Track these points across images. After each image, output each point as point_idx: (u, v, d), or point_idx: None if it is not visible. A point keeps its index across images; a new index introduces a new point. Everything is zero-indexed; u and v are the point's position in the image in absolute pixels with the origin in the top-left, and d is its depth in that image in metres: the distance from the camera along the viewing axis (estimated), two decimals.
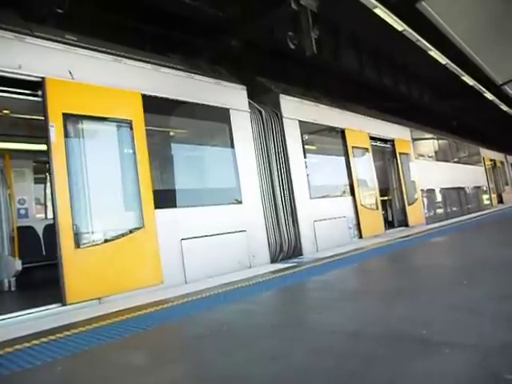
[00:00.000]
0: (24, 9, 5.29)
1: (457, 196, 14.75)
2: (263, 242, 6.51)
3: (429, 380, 1.85)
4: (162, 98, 5.52)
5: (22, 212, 7.30)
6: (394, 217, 11.06)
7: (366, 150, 9.81)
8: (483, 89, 14.02)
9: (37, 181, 7.70)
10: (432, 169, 13.28)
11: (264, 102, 7.34)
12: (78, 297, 4.15)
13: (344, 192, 8.88)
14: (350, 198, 8.85)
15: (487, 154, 19.27)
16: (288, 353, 2.32)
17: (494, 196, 19.11)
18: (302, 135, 7.85)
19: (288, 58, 10.23)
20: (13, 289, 5.93)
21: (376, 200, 9.73)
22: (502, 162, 21.74)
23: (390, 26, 8.54)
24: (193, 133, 6.43)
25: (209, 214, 5.78)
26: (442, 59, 11.00)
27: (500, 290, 3.31)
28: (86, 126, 4.69)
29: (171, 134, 6.27)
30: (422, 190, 11.92)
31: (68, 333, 3.05)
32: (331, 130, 8.98)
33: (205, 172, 6.46)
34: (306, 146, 8.04)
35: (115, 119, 4.96)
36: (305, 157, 7.87)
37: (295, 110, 7.86)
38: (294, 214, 7.18)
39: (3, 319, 3.77)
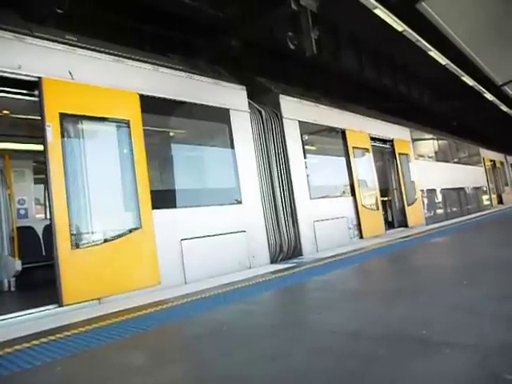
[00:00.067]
0: (24, 9, 5.29)
1: (457, 196, 14.75)
2: (263, 243, 6.51)
3: (429, 380, 1.85)
4: (161, 98, 5.51)
5: (22, 212, 7.30)
6: (394, 217, 11.06)
7: (367, 150, 9.81)
8: (483, 89, 14.03)
9: (36, 181, 7.70)
10: (432, 169, 13.27)
11: (264, 103, 7.34)
12: (75, 298, 4.12)
13: (344, 192, 8.89)
14: (350, 198, 8.86)
15: (487, 154, 19.27)
16: (288, 353, 2.32)
17: (493, 196, 19.11)
18: (301, 135, 7.85)
19: (288, 58, 10.23)
20: (12, 289, 5.92)
21: (376, 200, 9.74)
22: (501, 163, 21.74)
23: (390, 26, 8.54)
24: (192, 133, 6.42)
25: (209, 215, 5.78)
26: (442, 60, 11.00)
27: (500, 290, 3.31)
28: (82, 125, 4.67)
29: (171, 134, 6.26)
30: (421, 191, 11.92)
31: (68, 333, 3.04)
32: (331, 130, 8.98)
33: (205, 172, 6.45)
34: (306, 147, 8.04)
35: (112, 119, 4.95)
36: (305, 157, 7.87)
37: (295, 110, 7.86)
38: (294, 215, 7.18)
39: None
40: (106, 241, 4.56)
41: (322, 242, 7.50)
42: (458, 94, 15.66)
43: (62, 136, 4.37)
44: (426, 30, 8.91)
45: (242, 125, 6.65)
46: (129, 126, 4.99)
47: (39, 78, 4.31)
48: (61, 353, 2.59)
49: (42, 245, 7.07)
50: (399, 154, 11.02)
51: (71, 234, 4.25)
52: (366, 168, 9.65)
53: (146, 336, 2.93)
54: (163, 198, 5.43)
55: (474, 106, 16.78)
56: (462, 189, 15.40)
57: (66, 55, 4.64)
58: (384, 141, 10.77)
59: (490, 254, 5.18)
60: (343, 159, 9.07)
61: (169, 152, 5.94)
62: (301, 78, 11.34)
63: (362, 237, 8.68)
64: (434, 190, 13.03)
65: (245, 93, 6.88)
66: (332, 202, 8.37)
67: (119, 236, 4.67)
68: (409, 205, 10.94)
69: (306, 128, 8.07)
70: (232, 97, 6.65)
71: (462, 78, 12.68)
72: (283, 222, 6.95)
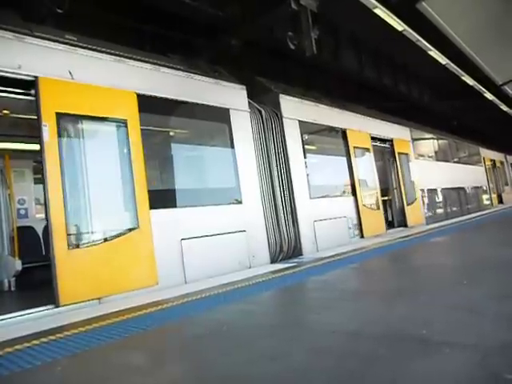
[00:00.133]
0: (24, 9, 5.29)
1: (457, 196, 14.75)
2: (263, 242, 6.51)
3: (429, 380, 1.85)
4: (160, 97, 5.50)
5: (22, 212, 7.30)
6: (394, 217, 11.06)
7: (368, 150, 9.81)
8: (483, 89, 14.02)
9: (37, 181, 7.69)
10: (432, 169, 13.27)
11: (264, 102, 7.34)
12: (71, 298, 4.10)
13: (344, 192, 8.89)
14: (351, 198, 8.87)
15: (487, 154, 19.27)
16: (288, 353, 2.32)
17: (494, 196, 19.11)
18: (301, 135, 7.85)
19: (288, 57, 10.22)
20: (13, 289, 5.93)
21: (377, 200, 9.74)
22: (501, 162, 21.73)
23: (390, 26, 8.53)
24: (192, 133, 6.41)
25: (209, 214, 5.77)
26: (442, 59, 11.00)
27: (500, 289, 3.31)
28: (79, 125, 4.65)
29: (171, 134, 6.25)
30: (421, 190, 11.92)
31: (68, 333, 3.04)
32: (331, 129, 8.98)
33: (205, 172, 6.45)
34: (306, 146, 8.04)
35: (109, 119, 4.93)
36: (305, 157, 7.87)
37: (295, 109, 7.86)
38: (294, 214, 7.18)
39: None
40: (102, 241, 4.54)
41: (322, 242, 7.50)
42: (458, 93, 15.66)
43: (59, 136, 4.34)
44: (426, 30, 8.90)
45: (242, 124, 6.65)
46: (126, 126, 4.97)
47: (36, 77, 4.28)
48: (61, 352, 2.60)
49: (42, 245, 7.06)
50: (399, 153, 11.01)
51: (68, 234, 4.23)
52: (366, 168, 9.65)
53: (146, 336, 2.93)
54: (163, 198, 5.43)
55: (474, 105, 16.78)
56: (462, 188, 15.40)
57: (64, 55, 4.63)
58: (384, 140, 10.77)
59: (490, 254, 5.18)
60: (343, 159, 9.08)
61: (169, 152, 5.93)
62: (301, 78, 11.34)
63: (362, 236, 8.69)
64: (434, 189, 13.03)
65: (245, 92, 6.88)
66: (332, 201, 8.38)
67: (116, 236, 4.65)
68: (408, 204, 10.94)
69: (306, 128, 8.07)
70: (232, 96, 6.65)
71: (462, 78, 12.68)
72: (283, 221, 6.95)
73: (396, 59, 13.43)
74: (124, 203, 4.94)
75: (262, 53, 9.95)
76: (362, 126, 9.79)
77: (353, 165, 9.05)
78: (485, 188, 18.02)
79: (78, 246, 4.35)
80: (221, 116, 6.39)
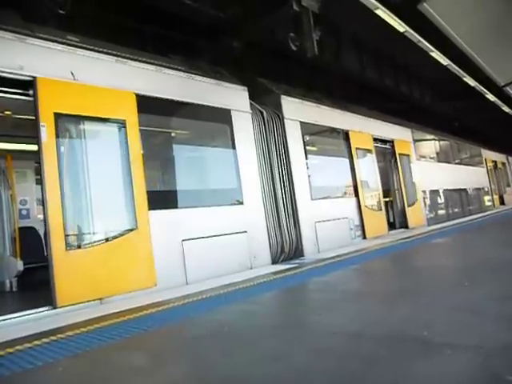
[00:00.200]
0: (24, 9, 5.30)
1: (458, 197, 14.72)
2: (264, 243, 6.50)
3: (430, 381, 1.85)
4: (160, 98, 5.48)
5: (24, 213, 7.31)
6: (396, 218, 11.04)
7: (370, 151, 9.81)
8: (485, 90, 14.02)
9: (38, 182, 7.69)
10: (433, 170, 13.25)
11: (265, 103, 7.34)
12: (69, 300, 4.07)
13: (345, 193, 8.88)
14: (353, 199, 8.87)
15: (489, 155, 19.23)
16: (289, 354, 2.32)
17: (495, 197, 19.07)
18: (303, 136, 7.85)
19: (289, 59, 10.23)
20: (14, 289, 5.93)
21: (379, 201, 9.73)
22: (503, 164, 21.69)
23: (392, 27, 8.54)
24: (194, 134, 6.42)
25: (210, 215, 5.77)
26: (444, 60, 11.00)
27: (502, 291, 3.30)
28: (78, 125, 4.64)
29: (172, 134, 6.25)
30: (423, 192, 11.90)
31: (69, 333, 3.05)
32: (333, 131, 8.98)
33: (206, 173, 6.45)
34: (308, 147, 8.04)
35: (108, 119, 4.90)
36: (306, 158, 7.87)
37: (296, 111, 7.86)
38: (296, 215, 7.18)
39: None
40: (101, 242, 4.52)
41: (324, 243, 7.49)
42: (459, 94, 15.66)
43: (57, 136, 4.32)
44: (428, 31, 8.91)
45: (244, 125, 6.66)
46: (125, 126, 4.95)
47: (34, 77, 4.26)
48: (62, 353, 2.60)
49: (43, 245, 7.06)
50: (399, 154, 11.00)
51: (66, 235, 4.20)
52: (369, 169, 9.65)
53: (147, 336, 2.93)
54: (165, 199, 5.42)
55: (476, 106, 16.77)
56: (464, 190, 15.37)
57: (64, 55, 4.62)
58: (384, 141, 10.76)
59: (491, 255, 5.17)
60: (345, 160, 9.07)
61: (170, 152, 5.94)
62: (302, 79, 11.34)
63: (365, 237, 8.69)
64: (436, 190, 13.01)
65: (246, 94, 6.88)
66: (333, 202, 8.37)
67: (114, 237, 4.62)
68: (409, 206, 10.92)
69: (308, 129, 8.07)
70: (234, 98, 6.65)
71: (464, 79, 12.68)
72: (284, 222, 6.95)
73: (397, 60, 13.43)
74: (122, 204, 4.90)
75: (263, 54, 9.95)
76: (363, 127, 9.78)
77: (355, 166, 9.05)
78: (486, 189, 17.99)
79: (76, 247, 4.32)
80: (222, 117, 6.39)
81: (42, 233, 7.19)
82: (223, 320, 3.18)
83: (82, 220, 4.52)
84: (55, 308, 4.00)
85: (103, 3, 7.11)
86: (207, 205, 5.81)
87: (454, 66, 11.46)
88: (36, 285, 6.08)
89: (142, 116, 5.15)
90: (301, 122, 7.84)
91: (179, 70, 5.95)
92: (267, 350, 2.43)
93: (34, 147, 6.62)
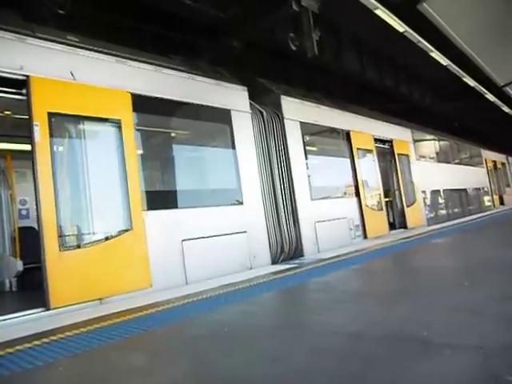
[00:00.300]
0: (24, 9, 5.29)
1: (458, 197, 14.73)
2: (264, 243, 6.50)
3: (430, 381, 1.85)
4: (159, 98, 5.47)
5: (24, 213, 7.30)
6: (396, 218, 11.04)
7: (371, 151, 9.81)
8: (484, 90, 14.03)
9: None
10: (433, 170, 13.25)
11: (265, 103, 7.34)
12: (63, 301, 4.02)
13: (345, 193, 8.88)
14: (354, 199, 8.87)
15: (488, 155, 19.24)
16: (289, 354, 2.31)
17: (495, 197, 19.08)
18: (303, 136, 7.85)
19: (289, 59, 10.23)
20: (14, 289, 5.93)
21: (380, 201, 9.74)
22: (503, 164, 21.70)
23: (391, 27, 8.55)
24: (194, 134, 6.41)
25: (210, 215, 5.77)
26: (444, 60, 11.00)
27: (502, 291, 3.30)
28: (71, 125, 4.60)
29: (172, 134, 6.24)
30: (423, 192, 11.89)
31: (69, 333, 3.04)
32: (332, 131, 8.98)
33: (206, 173, 6.45)
34: (308, 147, 8.04)
35: (102, 118, 4.85)
36: (306, 158, 7.87)
37: (296, 111, 7.85)
38: (295, 215, 7.18)
39: None
40: (95, 242, 4.47)
41: (324, 243, 7.49)
42: (459, 94, 15.66)
43: (51, 135, 4.27)
44: (428, 31, 8.91)
45: (244, 125, 6.65)
46: (120, 126, 4.92)
47: (27, 76, 4.22)
48: (62, 353, 2.59)
49: None
50: (398, 154, 10.99)
51: (59, 236, 4.15)
52: (369, 169, 9.66)
53: (147, 337, 2.93)
54: (164, 199, 5.42)
55: (476, 106, 16.77)
56: (464, 190, 15.38)
57: (62, 55, 4.60)
58: (383, 141, 10.76)
59: (491, 255, 5.17)
60: (345, 160, 9.07)
61: (170, 152, 5.93)
62: (302, 79, 11.34)
63: (366, 237, 8.69)
64: (436, 191, 13.01)
65: (246, 93, 6.88)
66: (333, 202, 8.37)
67: (109, 238, 4.58)
68: (408, 206, 10.91)
69: (308, 129, 8.07)
70: (233, 97, 6.65)
71: (464, 79, 12.68)
72: (284, 222, 6.95)
73: (397, 60, 13.43)
74: (117, 205, 4.84)
75: (263, 54, 9.95)
76: (364, 128, 9.78)
77: (356, 166, 9.05)
78: (486, 189, 17.99)
79: (70, 248, 4.27)
80: (222, 117, 6.38)
81: None
82: (223, 320, 3.18)
83: (75, 221, 4.46)
84: (48, 309, 3.95)
85: (103, 3, 7.10)
86: (207, 205, 5.81)
87: (453, 66, 11.47)
88: (36, 285, 6.09)
89: (139, 116, 5.12)
90: (301, 122, 7.84)
91: (178, 70, 5.95)
92: (267, 350, 2.43)
93: None
